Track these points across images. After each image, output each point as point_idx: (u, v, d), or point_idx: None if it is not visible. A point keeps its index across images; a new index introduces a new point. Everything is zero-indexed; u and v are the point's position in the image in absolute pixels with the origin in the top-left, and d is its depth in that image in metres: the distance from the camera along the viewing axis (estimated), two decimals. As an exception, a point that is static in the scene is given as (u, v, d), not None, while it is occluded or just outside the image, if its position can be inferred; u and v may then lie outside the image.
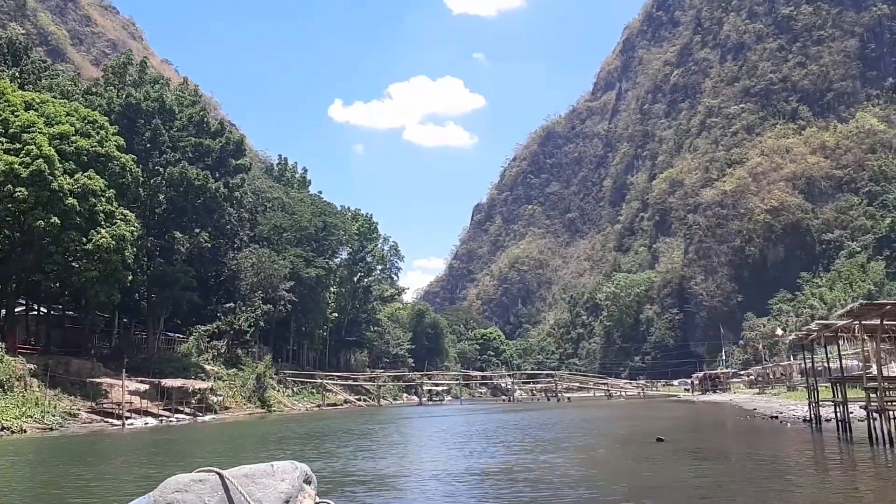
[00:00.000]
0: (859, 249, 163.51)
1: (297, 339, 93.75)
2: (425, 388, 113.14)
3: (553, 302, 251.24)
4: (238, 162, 68.59)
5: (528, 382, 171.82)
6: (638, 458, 21.71)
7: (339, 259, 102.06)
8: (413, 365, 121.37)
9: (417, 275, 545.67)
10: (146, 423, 50.06)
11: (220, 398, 62.23)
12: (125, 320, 68.14)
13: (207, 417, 57.34)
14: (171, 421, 52.85)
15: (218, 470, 3.70)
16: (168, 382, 55.67)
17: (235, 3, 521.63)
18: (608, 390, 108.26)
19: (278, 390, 76.31)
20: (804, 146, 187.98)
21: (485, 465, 20.88)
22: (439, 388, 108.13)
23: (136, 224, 55.18)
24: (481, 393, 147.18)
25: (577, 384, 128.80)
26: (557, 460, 21.70)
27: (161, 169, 60.64)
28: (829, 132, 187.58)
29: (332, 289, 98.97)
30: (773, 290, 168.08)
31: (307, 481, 4.12)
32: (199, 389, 59.05)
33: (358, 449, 26.66)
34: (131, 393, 53.27)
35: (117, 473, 21.12)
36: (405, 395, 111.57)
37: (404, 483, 17.93)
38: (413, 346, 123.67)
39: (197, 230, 64.57)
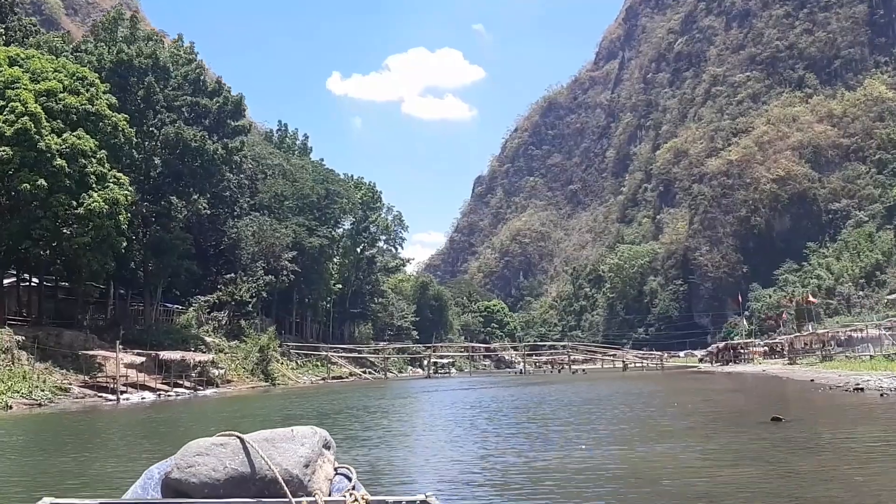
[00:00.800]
0: (867, 219, 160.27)
1: (301, 311, 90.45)
2: (431, 360, 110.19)
3: (555, 274, 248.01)
4: (237, 123, 64.55)
5: (532, 354, 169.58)
6: (788, 447, 14.68)
7: (341, 229, 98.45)
8: (417, 337, 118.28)
9: (417, 249, 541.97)
10: (143, 398, 46.77)
11: (222, 371, 58.97)
12: (121, 291, 64.62)
13: (209, 391, 54.10)
14: (169, 395, 49.59)
15: (238, 434, 3.60)
16: (166, 355, 52.32)
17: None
18: (624, 361, 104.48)
19: (282, 363, 73.07)
20: (811, 115, 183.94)
21: (589, 461, 13.96)
22: (444, 361, 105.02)
23: (129, 188, 51.52)
24: (485, 366, 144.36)
25: (584, 355, 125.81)
26: (680, 452, 14.79)
27: (156, 130, 56.75)
28: (836, 100, 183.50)
29: (335, 259, 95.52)
30: (778, 260, 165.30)
31: (326, 446, 3.96)
32: (200, 362, 55.74)
33: (388, 434, 22.45)
34: (127, 366, 49.90)
35: (102, 458, 17.63)
36: (410, 367, 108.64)
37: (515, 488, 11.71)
38: (417, 319, 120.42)
39: (195, 196, 60.82)
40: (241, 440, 3.75)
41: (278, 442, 3.77)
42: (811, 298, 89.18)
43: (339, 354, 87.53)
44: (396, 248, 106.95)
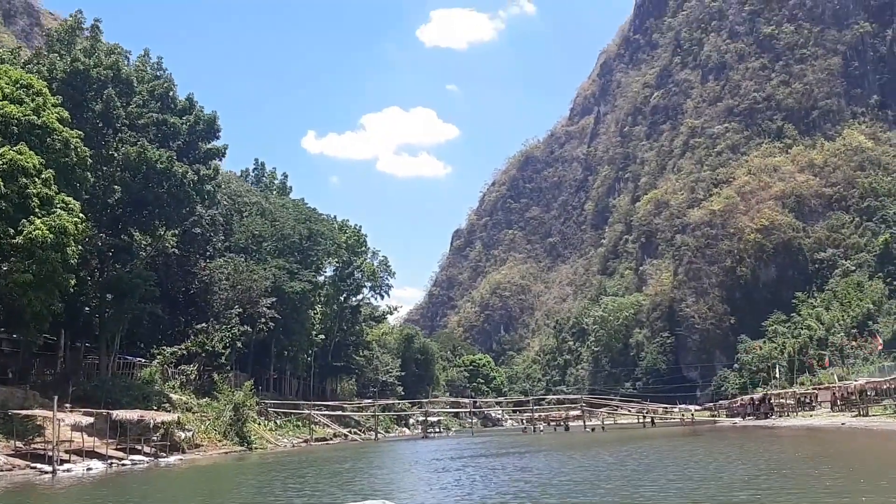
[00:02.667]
0: (854, 268, 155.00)
1: (280, 365, 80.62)
2: (419, 418, 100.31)
3: (537, 328, 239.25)
4: (209, 146, 55.72)
5: (518, 410, 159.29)
6: None
7: (324, 276, 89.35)
8: (402, 393, 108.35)
9: (385, 320, 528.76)
10: (89, 469, 36.87)
11: (190, 434, 49.06)
12: (74, 342, 54.86)
13: (173, 458, 44.18)
14: (123, 464, 39.67)
15: None
16: (121, 414, 42.47)
17: (207, 33, 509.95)
18: (652, 415, 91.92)
19: (259, 423, 63.09)
20: (792, 164, 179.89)
21: None
22: (435, 419, 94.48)
23: (81, 215, 42.40)
24: (472, 423, 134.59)
25: (579, 411, 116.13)
26: None
27: (115, 152, 47.91)
28: (816, 150, 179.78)
29: (317, 307, 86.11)
30: (766, 311, 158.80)
31: None
32: (163, 423, 45.90)
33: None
34: (74, 428, 40.08)
35: None
36: (396, 426, 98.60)
37: None
38: (403, 374, 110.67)
39: (161, 230, 51.81)
40: None
41: None
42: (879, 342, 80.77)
43: (323, 413, 77.36)
44: (382, 296, 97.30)
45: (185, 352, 59.17)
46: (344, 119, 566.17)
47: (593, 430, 78.15)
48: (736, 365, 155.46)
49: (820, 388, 66.63)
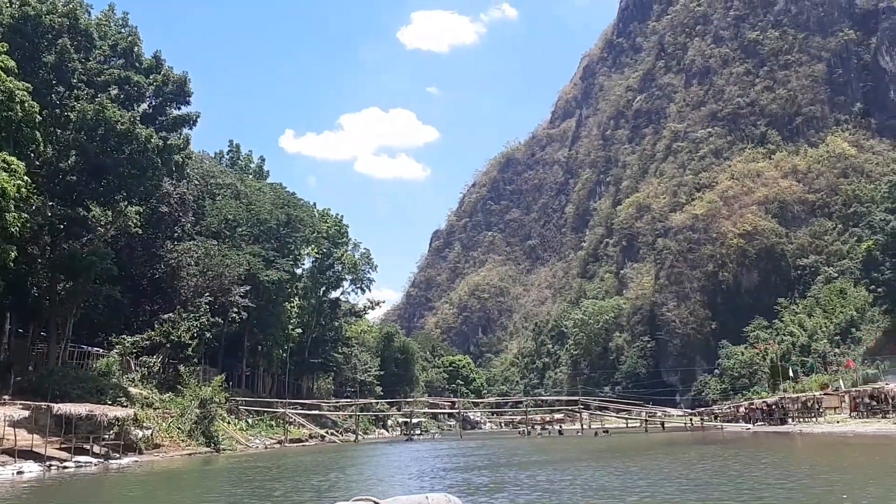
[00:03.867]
0: (836, 275, 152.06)
1: (253, 361, 74.26)
2: (399, 420, 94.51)
3: (515, 331, 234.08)
4: (179, 113, 49.31)
5: (497, 413, 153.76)
6: None
7: (302, 268, 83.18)
8: (381, 394, 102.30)
9: (367, 314, 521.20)
10: (20, 472, 30.53)
11: (149, 432, 42.78)
12: (21, 327, 48.35)
13: (126, 460, 37.93)
14: (66, 467, 33.36)
15: (375, 499, 3.61)
16: (65, 408, 36.07)
17: (186, 27, 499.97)
18: (662, 419, 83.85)
19: (229, 422, 56.83)
20: (775, 170, 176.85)
21: None
22: (417, 421, 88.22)
23: (25, 178, 36.10)
24: (450, 426, 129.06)
25: (563, 414, 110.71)
26: None
27: (70, 114, 41.56)
28: (799, 156, 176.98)
29: (294, 301, 79.89)
30: (748, 317, 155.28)
31: None
32: (117, 419, 39.59)
33: None
34: (7, 423, 33.73)
35: None
36: (375, 428, 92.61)
37: None
38: (382, 373, 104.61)
39: (122, 203, 45.50)
40: None
41: None
42: (851, 362, 76.00)
43: (298, 412, 71.06)
44: (363, 290, 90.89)
45: (147, 342, 52.81)
46: (322, 119, 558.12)
47: (596, 433, 71.11)
48: (717, 370, 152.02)
49: (828, 393, 61.85)
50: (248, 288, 61.82)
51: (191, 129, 48.51)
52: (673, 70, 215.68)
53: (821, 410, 61.25)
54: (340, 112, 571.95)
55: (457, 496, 4.03)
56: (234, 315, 59.85)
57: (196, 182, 62.52)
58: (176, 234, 57.79)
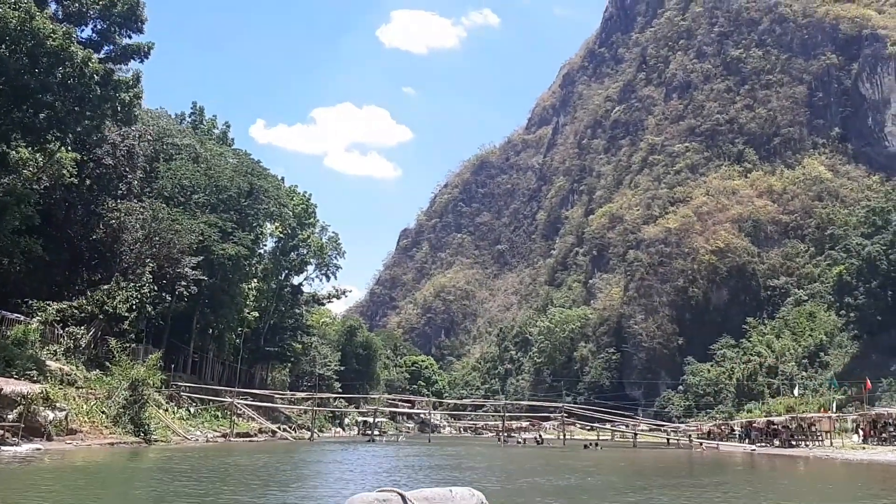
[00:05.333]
0: (806, 298, 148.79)
1: (202, 344, 66.26)
2: (357, 419, 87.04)
3: (478, 335, 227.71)
4: (129, 42, 41.42)
5: (456, 417, 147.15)
6: None
7: (264, 248, 75.42)
8: (340, 390, 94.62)
9: (331, 306, 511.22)
10: None
11: (62, 414, 34.96)
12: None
13: (26, 448, 30.19)
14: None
15: (400, 491, 3.60)
16: (-55, 379, 28.32)
17: (161, 10, 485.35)
18: (668, 435, 75.00)
19: (167, 410, 49.02)
20: (751, 189, 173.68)
21: None
22: (380, 420, 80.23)
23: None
24: (409, 428, 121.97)
25: (527, 422, 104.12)
26: None
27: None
28: (775, 177, 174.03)
29: (253, 282, 72.11)
30: (715, 334, 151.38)
31: None
32: (21, 396, 31.83)
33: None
34: None
35: None
36: (331, 426, 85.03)
37: None
38: (341, 368, 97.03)
39: (54, 143, 37.77)
40: (402, 497, 3.64)
41: (438, 501, 3.68)
42: (868, 384, 70.15)
43: (248, 403, 63.22)
44: (328, 277, 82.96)
45: (76, 310, 44.92)
46: (295, 111, 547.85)
47: (585, 446, 62.66)
48: (681, 387, 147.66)
49: (822, 416, 56.05)
50: (200, 259, 54.05)
51: (142, 61, 40.93)
52: (653, 83, 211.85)
53: (817, 433, 55.55)
54: (314, 105, 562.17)
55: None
56: (181, 289, 52.03)
57: (149, 138, 54.65)
58: (121, 192, 49.91)
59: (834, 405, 69.10)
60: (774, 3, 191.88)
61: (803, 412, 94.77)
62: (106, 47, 39.86)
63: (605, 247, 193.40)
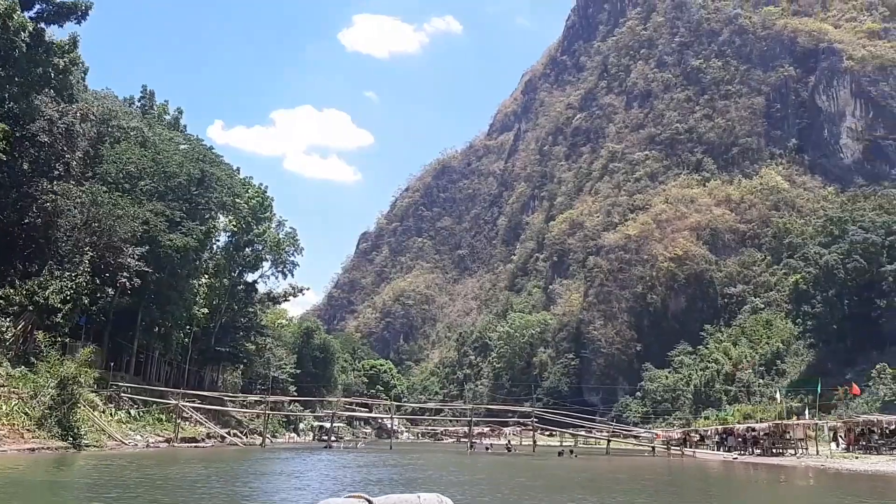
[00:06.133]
0: (762, 306, 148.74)
1: (146, 342, 61.39)
2: (313, 423, 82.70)
3: (437, 340, 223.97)
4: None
5: (415, 422, 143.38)
6: None
7: (217, 243, 70.74)
8: (295, 394, 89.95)
9: (288, 307, 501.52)
10: None
11: (-26, 416, 30.38)
12: None
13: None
14: None
15: (367, 496, 3.50)
16: None
17: (117, 7, 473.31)
18: (669, 444, 68.42)
19: (104, 412, 44.35)
20: (709, 197, 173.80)
21: None
22: (335, 425, 75.70)
23: None
24: (365, 433, 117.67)
25: (491, 428, 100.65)
26: None
27: None
28: (733, 186, 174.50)
29: (203, 279, 67.43)
30: (673, 341, 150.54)
31: None
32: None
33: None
34: None
35: None
36: (285, 431, 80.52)
37: None
38: (297, 371, 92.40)
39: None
40: (370, 502, 2.81)
41: None
42: (856, 388, 68.05)
43: (196, 405, 58.56)
44: (285, 275, 78.29)
45: (3, 301, 40.20)
46: (254, 112, 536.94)
47: (560, 453, 58.68)
48: (639, 393, 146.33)
49: (805, 422, 53.39)
50: (145, 250, 49.49)
51: (79, 22, 36.51)
52: (614, 91, 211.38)
53: (792, 441, 53.07)
54: (273, 107, 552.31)
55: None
56: (124, 281, 47.41)
57: (93, 118, 49.98)
58: (57, 173, 45.25)
59: (807, 412, 66.82)
60: (734, 15, 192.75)
61: (760, 419, 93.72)
62: (38, 5, 35.48)
63: (566, 253, 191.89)
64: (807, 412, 65.49)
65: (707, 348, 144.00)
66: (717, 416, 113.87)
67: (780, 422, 53.10)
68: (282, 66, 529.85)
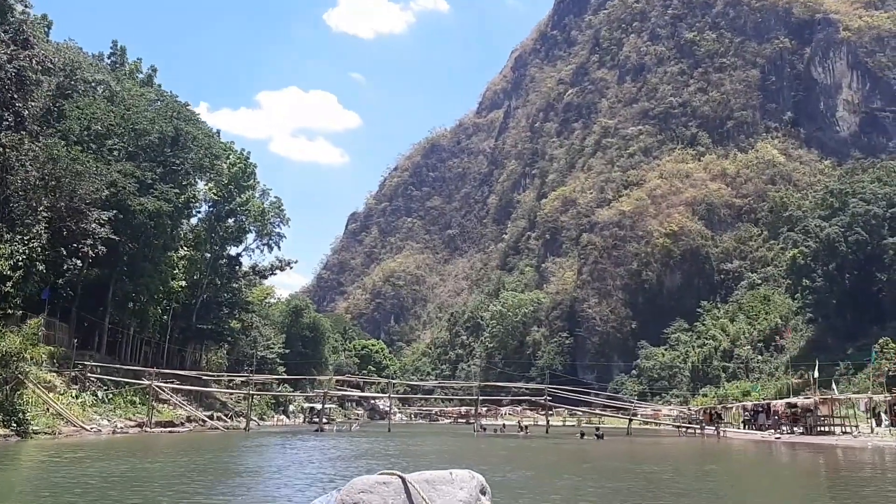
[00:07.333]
0: (759, 281, 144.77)
1: (120, 319, 55.57)
2: (304, 405, 77.43)
3: (429, 320, 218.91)
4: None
5: (410, 402, 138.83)
6: None
7: (197, 213, 64.88)
8: (284, 375, 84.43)
9: (276, 289, 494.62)
10: None
11: None
12: None
13: None
14: None
15: (400, 473, 3.58)
16: None
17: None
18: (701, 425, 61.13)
19: (66, 393, 38.72)
20: (704, 172, 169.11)
21: None
22: (326, 407, 70.07)
23: None
24: (358, 415, 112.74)
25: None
26: None
27: None
28: (728, 160, 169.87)
29: (182, 250, 61.60)
30: (668, 318, 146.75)
31: (483, 492, 3.87)
32: None
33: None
34: None
35: None
36: (274, 413, 75.20)
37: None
38: (286, 351, 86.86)
39: None
40: (403, 480, 3.56)
41: (438, 484, 3.57)
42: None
43: (174, 386, 52.90)
44: (271, 248, 72.11)
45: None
46: (240, 95, 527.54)
47: (582, 435, 52.41)
48: (634, 371, 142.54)
49: (860, 397, 47.94)
50: (112, 214, 43.67)
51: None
52: (607, 65, 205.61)
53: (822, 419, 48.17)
54: (259, 89, 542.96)
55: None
56: (87, 248, 41.62)
57: (51, 66, 43.93)
58: (7, 124, 39.32)
59: (835, 388, 61.96)
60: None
61: (761, 397, 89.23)
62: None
63: (558, 230, 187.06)
64: (835, 387, 60.54)
65: (704, 325, 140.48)
66: (715, 393, 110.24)
67: (826, 397, 47.81)
68: (267, 47, 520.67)
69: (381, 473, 3.66)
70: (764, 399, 78.45)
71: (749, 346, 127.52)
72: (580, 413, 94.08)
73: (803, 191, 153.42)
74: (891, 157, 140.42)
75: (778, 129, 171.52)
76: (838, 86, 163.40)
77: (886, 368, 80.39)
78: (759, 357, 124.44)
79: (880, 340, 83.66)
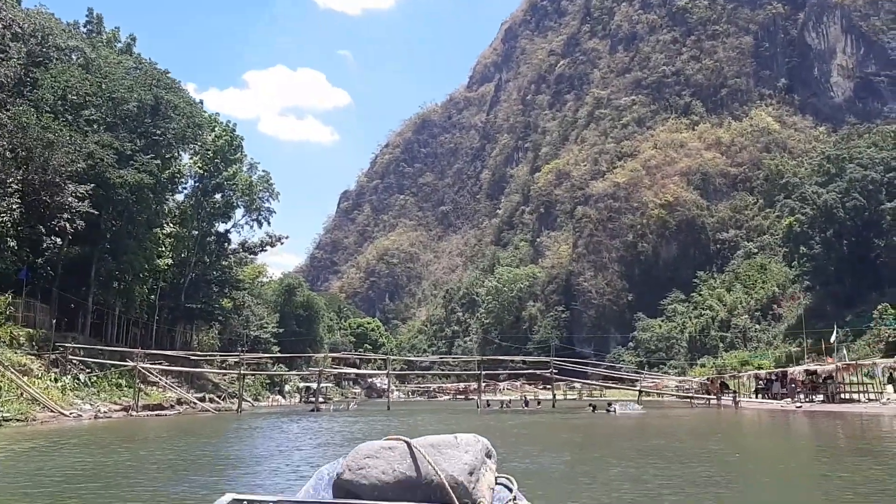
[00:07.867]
0: (756, 250, 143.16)
1: (104, 299, 53.06)
2: (299, 385, 75.38)
3: (423, 298, 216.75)
4: None
5: (406, 379, 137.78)
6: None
7: (183, 188, 62.18)
8: (279, 355, 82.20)
9: (268, 268, 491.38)
10: None
11: None
12: None
13: None
14: None
15: (406, 438, 3.58)
16: None
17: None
18: (716, 395, 58.23)
19: (43, 377, 36.32)
20: (699, 141, 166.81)
21: None
22: (323, 386, 68.00)
23: None
24: (355, 393, 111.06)
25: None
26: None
27: None
28: (723, 129, 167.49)
29: (168, 227, 58.96)
30: (665, 289, 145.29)
31: (488, 455, 3.85)
32: None
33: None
34: None
35: None
36: (269, 394, 73.10)
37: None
38: (280, 330, 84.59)
39: None
40: (409, 444, 3.61)
41: (444, 448, 3.60)
42: None
43: (162, 367, 50.54)
44: (261, 223, 69.32)
45: None
46: (227, 74, 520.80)
47: (593, 408, 49.65)
48: (632, 343, 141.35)
49: (886, 362, 45.81)
50: (91, 187, 41.03)
51: None
52: (598, 35, 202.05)
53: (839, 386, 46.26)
54: (246, 68, 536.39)
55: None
56: (64, 223, 39.02)
57: (20, 31, 41.05)
58: (-30, 90, 36.60)
59: (845, 353, 59.99)
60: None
61: (759, 366, 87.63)
62: None
63: (552, 204, 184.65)
64: (845, 353, 58.62)
65: (700, 295, 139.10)
66: (713, 363, 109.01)
67: (849, 363, 45.64)
68: (253, 26, 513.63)
69: (387, 439, 3.59)
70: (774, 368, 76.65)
71: (746, 316, 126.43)
72: (578, 386, 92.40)
73: (799, 158, 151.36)
74: (886, 122, 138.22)
75: (772, 97, 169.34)
76: (832, 51, 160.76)
77: (886, 334, 78.83)
78: (757, 326, 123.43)
79: (879, 306, 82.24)
